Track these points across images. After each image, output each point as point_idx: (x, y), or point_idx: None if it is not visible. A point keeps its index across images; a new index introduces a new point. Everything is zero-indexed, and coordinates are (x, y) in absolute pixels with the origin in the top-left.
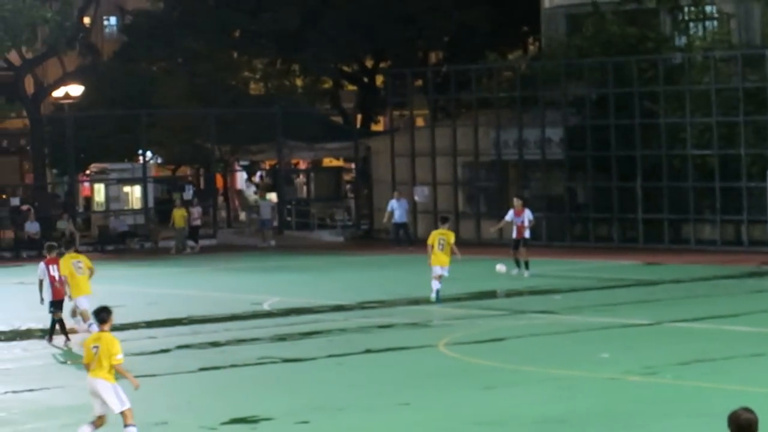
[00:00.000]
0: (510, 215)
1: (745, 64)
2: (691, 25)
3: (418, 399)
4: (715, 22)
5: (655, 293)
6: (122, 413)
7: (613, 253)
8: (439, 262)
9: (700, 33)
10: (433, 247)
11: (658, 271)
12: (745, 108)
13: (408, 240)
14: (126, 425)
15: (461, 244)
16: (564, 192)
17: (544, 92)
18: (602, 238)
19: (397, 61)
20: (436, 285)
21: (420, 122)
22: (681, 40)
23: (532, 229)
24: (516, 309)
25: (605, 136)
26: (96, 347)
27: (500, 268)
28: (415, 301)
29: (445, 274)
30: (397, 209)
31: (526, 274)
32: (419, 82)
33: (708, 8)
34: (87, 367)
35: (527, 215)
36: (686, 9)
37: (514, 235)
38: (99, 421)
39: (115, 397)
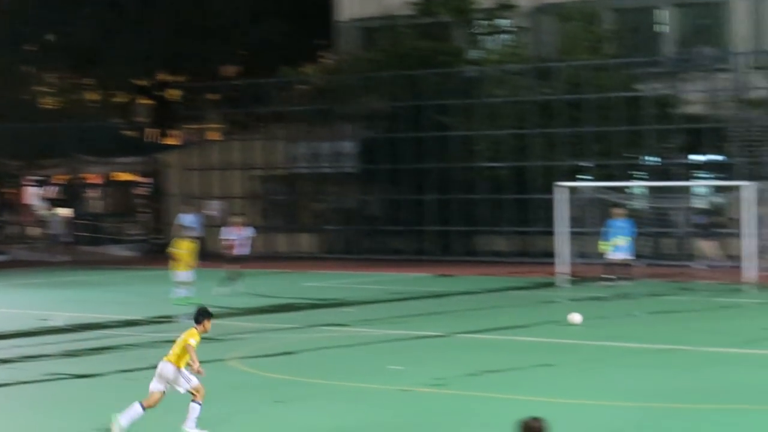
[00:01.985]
0: (230, 231)
1: (537, 77)
2: (485, 38)
3: (209, 414)
4: (509, 36)
5: (447, 305)
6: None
7: (406, 266)
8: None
9: (494, 47)
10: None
11: (449, 283)
12: (536, 120)
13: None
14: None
15: (254, 257)
16: (357, 205)
17: (339, 106)
18: (395, 251)
19: (192, 75)
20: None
21: (214, 136)
22: (474, 54)
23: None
24: (308, 323)
25: (398, 149)
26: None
27: (575, 318)
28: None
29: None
30: (190, 224)
31: (215, 290)
32: (214, 96)
33: (501, 22)
34: None
35: (248, 232)
36: (480, 23)
37: (234, 249)
38: None
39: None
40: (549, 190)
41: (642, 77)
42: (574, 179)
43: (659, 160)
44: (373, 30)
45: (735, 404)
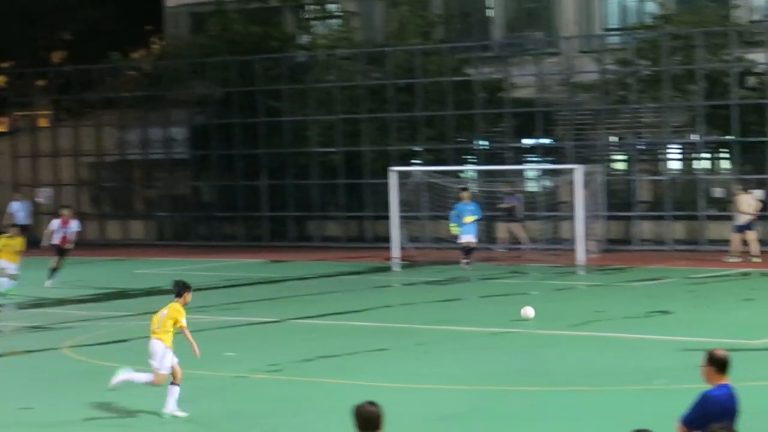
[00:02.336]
0: (56, 224)
1: (367, 62)
2: (315, 23)
3: (42, 403)
4: (338, 21)
5: (281, 291)
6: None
7: (240, 252)
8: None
9: (324, 31)
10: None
11: (283, 269)
12: (368, 105)
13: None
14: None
15: (86, 245)
16: (189, 191)
17: (169, 91)
18: (228, 237)
19: (20, 60)
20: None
21: (44, 123)
22: (305, 39)
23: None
24: (141, 310)
25: (230, 135)
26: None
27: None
28: (39, 304)
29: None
30: (19, 211)
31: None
32: (43, 82)
33: (331, 7)
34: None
35: (74, 225)
36: (309, 8)
37: (58, 241)
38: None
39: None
40: (382, 174)
41: (472, 62)
42: (407, 164)
43: (488, 144)
44: (202, 15)
45: (568, 386)
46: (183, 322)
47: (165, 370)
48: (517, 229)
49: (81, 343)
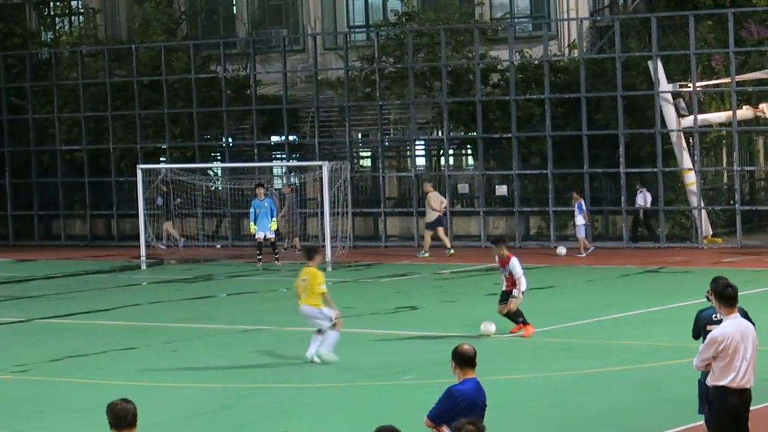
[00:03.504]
0: None
1: (111, 59)
2: (58, 20)
3: None
4: (82, 17)
5: (27, 290)
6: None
7: None
8: None
9: (67, 28)
10: None
11: (29, 268)
12: (114, 102)
13: None
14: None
15: None
16: None
17: None
18: None
19: None
20: None
21: None
22: (48, 35)
23: None
24: None
25: None
26: (305, 280)
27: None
28: None
29: None
30: None
31: None
32: None
33: (74, 3)
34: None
35: None
36: (52, 4)
37: None
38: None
39: (323, 318)
40: (129, 172)
41: (218, 58)
42: (154, 161)
43: (232, 141)
44: None
45: (318, 382)
46: (323, 288)
47: (329, 321)
48: (169, 227)
49: None
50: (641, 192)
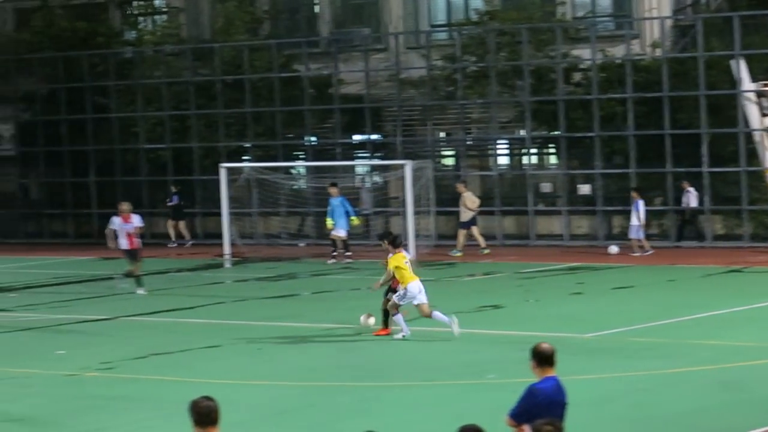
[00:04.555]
0: (117, 222)
1: (194, 58)
2: (141, 19)
3: None
4: (165, 16)
5: (112, 288)
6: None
7: (69, 249)
8: None
9: (150, 27)
10: None
11: (114, 266)
12: (196, 101)
13: None
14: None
15: None
16: (16, 188)
17: None
18: (57, 234)
19: None
20: None
21: None
22: (131, 35)
23: None
24: None
25: (57, 132)
26: (408, 261)
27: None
28: None
29: None
30: None
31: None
32: None
33: (157, 2)
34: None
35: (136, 221)
36: (135, 3)
37: (127, 245)
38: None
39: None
40: (211, 171)
41: (300, 58)
42: (237, 160)
43: (316, 140)
44: (26, 10)
45: (401, 381)
46: (390, 269)
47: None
48: (182, 226)
49: None
50: (688, 192)
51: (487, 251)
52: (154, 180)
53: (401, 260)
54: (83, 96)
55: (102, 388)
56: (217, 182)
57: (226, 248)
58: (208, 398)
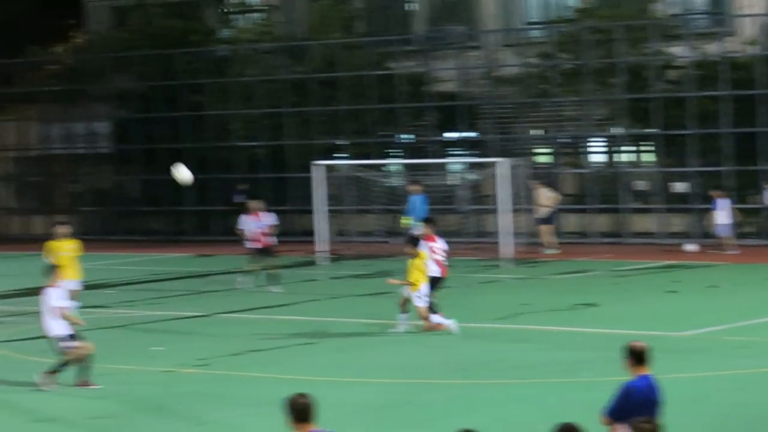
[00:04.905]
0: (248, 220)
1: (289, 56)
2: (236, 17)
3: None
4: (259, 15)
5: (207, 285)
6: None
7: (164, 246)
8: None
9: (245, 25)
10: None
11: (209, 263)
12: (290, 99)
13: None
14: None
15: (10, 240)
16: (113, 185)
17: (91, 86)
18: (153, 231)
19: None
20: None
21: None
22: (226, 33)
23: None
24: None
25: (152, 129)
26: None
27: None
28: None
29: None
30: None
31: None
32: None
33: (252, 0)
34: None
35: (270, 219)
36: (230, 1)
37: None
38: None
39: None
40: (305, 168)
41: (394, 55)
42: (330, 158)
43: (413, 137)
44: (123, 9)
45: (494, 379)
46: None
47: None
48: None
49: (7, 338)
50: (765, 189)
51: (553, 251)
52: (248, 177)
53: (422, 262)
54: (178, 94)
55: (198, 385)
56: (310, 179)
57: (321, 245)
58: (303, 395)
